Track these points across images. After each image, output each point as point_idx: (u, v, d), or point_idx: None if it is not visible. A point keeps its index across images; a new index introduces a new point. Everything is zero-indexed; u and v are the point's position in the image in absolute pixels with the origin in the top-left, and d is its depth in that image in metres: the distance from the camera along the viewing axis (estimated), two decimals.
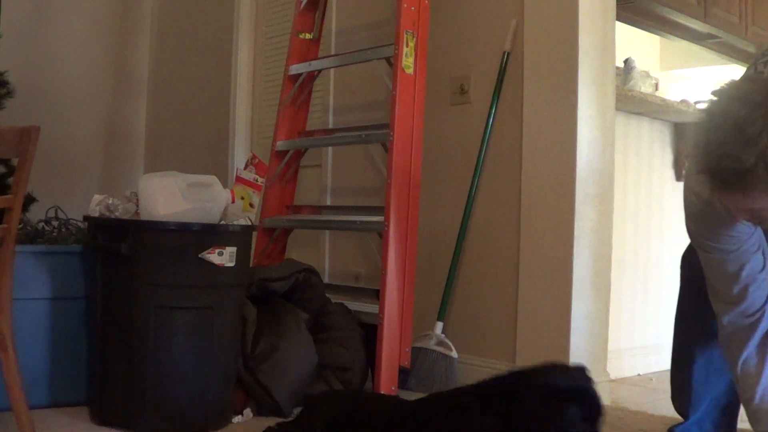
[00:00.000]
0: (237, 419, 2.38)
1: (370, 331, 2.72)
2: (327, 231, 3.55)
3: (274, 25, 4.13)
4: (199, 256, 2.20)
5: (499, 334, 2.86)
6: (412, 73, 2.81)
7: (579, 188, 2.64)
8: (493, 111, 2.91)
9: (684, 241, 2.27)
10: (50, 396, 2.42)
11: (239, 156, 4.18)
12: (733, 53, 4.94)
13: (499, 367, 2.83)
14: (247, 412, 2.42)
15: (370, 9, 3.43)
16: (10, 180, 3.29)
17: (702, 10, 4.31)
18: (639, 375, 3.28)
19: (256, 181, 2.84)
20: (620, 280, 3.14)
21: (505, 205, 2.87)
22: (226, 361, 2.32)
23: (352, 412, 1.98)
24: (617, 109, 2.87)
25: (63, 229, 2.65)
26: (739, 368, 1.86)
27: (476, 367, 2.89)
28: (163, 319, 2.19)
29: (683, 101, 3.64)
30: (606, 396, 2.72)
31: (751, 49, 4.82)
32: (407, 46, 2.79)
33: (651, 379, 3.20)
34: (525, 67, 2.80)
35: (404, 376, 2.74)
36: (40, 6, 4.53)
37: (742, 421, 2.18)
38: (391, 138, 2.74)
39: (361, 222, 2.92)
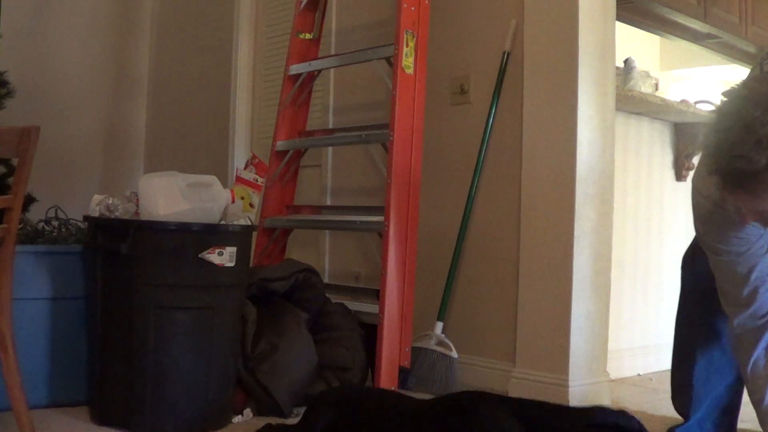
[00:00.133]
0: (237, 419, 2.38)
1: (370, 331, 2.72)
2: (327, 231, 3.54)
3: (274, 25, 4.13)
4: (199, 256, 2.20)
5: (499, 334, 2.86)
6: (412, 73, 2.81)
7: (579, 188, 2.64)
8: (493, 111, 2.91)
9: (684, 241, 2.27)
10: (50, 396, 2.42)
11: (239, 156, 4.18)
12: (733, 53, 4.93)
13: (499, 367, 2.83)
14: (247, 412, 2.42)
15: (370, 9, 3.43)
16: (10, 180, 3.29)
17: (702, 10, 4.31)
18: (639, 375, 3.28)
19: (256, 181, 2.84)
20: (620, 280, 3.14)
21: (505, 205, 2.87)
22: (226, 361, 2.32)
23: (353, 413, 1.97)
24: (617, 109, 2.87)
25: (63, 229, 2.65)
26: (749, 370, 1.86)
27: (476, 367, 2.89)
28: (163, 319, 2.19)
29: (683, 101, 3.63)
30: (606, 396, 2.72)
31: (751, 49, 4.81)
32: (407, 46, 2.79)
33: (651, 379, 3.19)
34: (525, 67, 2.80)
35: (404, 376, 2.74)
36: (40, 6, 4.54)
37: (743, 421, 2.19)
38: (391, 138, 2.74)
39: (361, 222, 2.92)
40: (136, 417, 2.19)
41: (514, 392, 2.66)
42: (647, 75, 3.81)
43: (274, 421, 2.30)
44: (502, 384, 2.76)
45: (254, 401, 2.45)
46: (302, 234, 3.53)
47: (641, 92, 3.35)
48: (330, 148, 3.57)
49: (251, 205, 2.80)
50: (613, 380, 2.87)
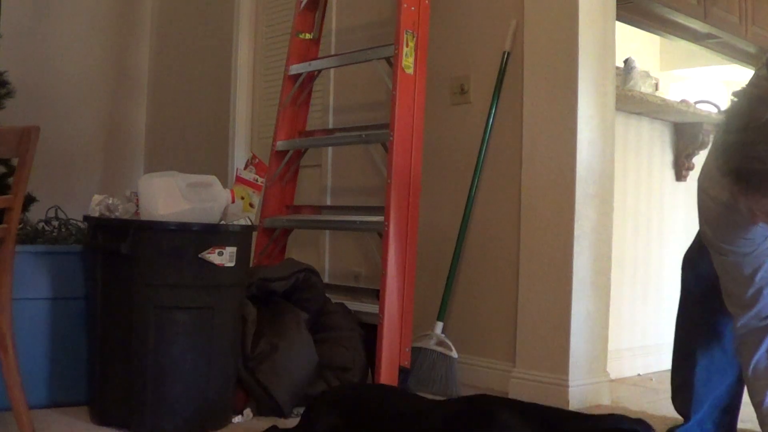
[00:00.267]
0: (237, 419, 2.38)
1: (370, 331, 2.72)
2: (327, 231, 3.54)
3: (274, 25, 4.13)
4: (199, 256, 2.20)
5: (499, 334, 2.86)
6: (412, 73, 2.81)
7: (579, 188, 2.64)
8: (493, 111, 2.91)
9: (684, 241, 2.27)
10: (50, 396, 2.42)
11: (239, 156, 4.18)
12: (733, 53, 4.93)
13: (499, 367, 2.83)
14: (247, 412, 2.42)
15: (370, 9, 3.43)
16: (10, 180, 3.29)
17: (702, 10, 4.31)
18: (639, 375, 3.28)
19: (256, 181, 2.84)
20: (620, 280, 3.13)
21: (505, 205, 2.86)
22: (226, 361, 2.32)
23: (353, 413, 1.97)
24: (617, 109, 2.87)
25: (63, 229, 2.65)
26: (750, 371, 1.86)
27: (476, 367, 2.89)
28: (163, 319, 2.19)
29: (683, 101, 3.63)
30: (606, 396, 2.72)
31: (751, 49, 4.81)
32: (407, 46, 2.79)
33: (651, 379, 3.19)
34: (525, 67, 2.80)
35: (404, 376, 2.74)
36: (40, 6, 4.53)
37: (743, 421, 2.19)
38: (391, 138, 2.74)
39: (361, 222, 2.92)
40: (136, 417, 2.19)
41: (514, 392, 2.67)
42: (647, 75, 3.81)
43: (275, 421, 2.30)
44: (502, 384, 2.76)
45: (254, 401, 2.45)
46: (302, 234, 3.53)
47: (641, 92, 3.35)
48: (330, 148, 3.57)
49: (251, 205, 2.80)
50: (613, 380, 2.87)
